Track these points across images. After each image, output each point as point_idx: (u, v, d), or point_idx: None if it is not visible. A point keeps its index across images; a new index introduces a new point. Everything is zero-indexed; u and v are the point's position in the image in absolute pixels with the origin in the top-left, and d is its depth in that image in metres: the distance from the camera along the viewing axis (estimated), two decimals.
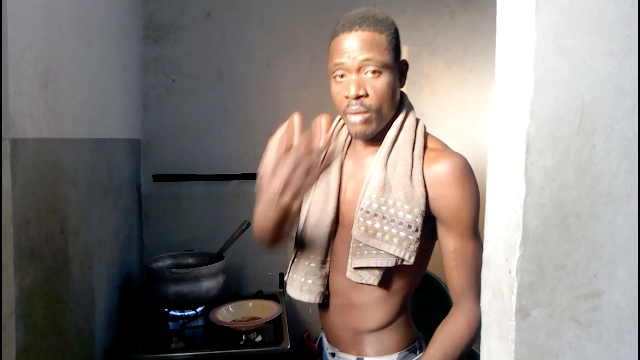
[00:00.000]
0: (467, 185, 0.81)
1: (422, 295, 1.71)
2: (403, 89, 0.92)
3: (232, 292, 1.75)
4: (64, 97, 1.09)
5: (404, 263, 0.82)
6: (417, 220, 0.81)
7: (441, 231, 0.85)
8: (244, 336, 1.40)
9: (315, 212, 0.93)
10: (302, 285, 0.91)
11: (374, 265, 0.84)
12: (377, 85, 0.82)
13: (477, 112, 1.94)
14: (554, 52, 0.55)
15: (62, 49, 1.10)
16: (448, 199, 0.82)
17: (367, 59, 0.81)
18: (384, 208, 0.82)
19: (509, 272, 0.57)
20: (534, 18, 0.55)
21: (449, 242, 0.84)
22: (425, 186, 0.82)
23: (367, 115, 0.83)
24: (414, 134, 0.87)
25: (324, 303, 0.96)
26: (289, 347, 1.37)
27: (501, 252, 0.60)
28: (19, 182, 0.88)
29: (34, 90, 0.96)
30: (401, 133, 0.87)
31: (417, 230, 0.81)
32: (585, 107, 0.56)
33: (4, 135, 0.84)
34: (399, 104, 0.89)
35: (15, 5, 0.87)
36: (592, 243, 0.57)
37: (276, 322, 1.49)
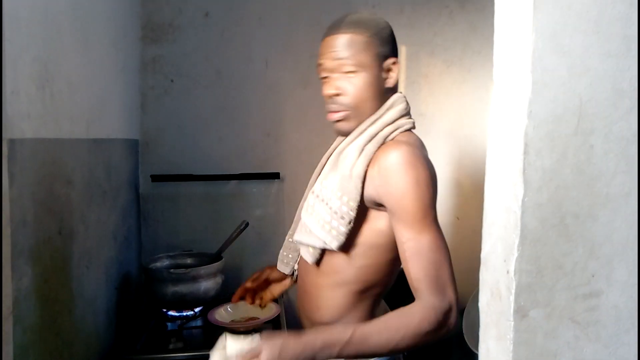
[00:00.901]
0: (410, 172, 0.80)
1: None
2: (402, 89, 0.92)
3: (230, 293, 1.74)
4: (61, 98, 1.09)
5: (328, 248, 0.86)
6: (351, 212, 0.83)
7: (392, 222, 0.84)
8: (242, 336, 1.40)
9: (302, 201, 1.03)
10: (283, 257, 1.02)
11: (306, 243, 0.90)
12: (353, 83, 0.86)
13: (475, 112, 1.94)
14: (552, 52, 0.55)
15: (60, 49, 1.09)
16: (390, 187, 0.81)
17: (342, 58, 0.86)
18: (325, 193, 0.87)
19: (507, 272, 0.57)
20: (532, 18, 0.55)
21: (399, 233, 0.82)
22: (364, 180, 0.84)
23: (343, 113, 0.89)
24: (378, 131, 0.87)
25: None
26: None
27: (499, 253, 0.60)
28: (16, 182, 0.88)
29: (31, 90, 0.95)
30: (368, 129, 0.88)
31: (350, 222, 0.84)
32: (583, 107, 0.56)
33: (1, 136, 0.84)
34: (383, 102, 0.91)
35: (12, 5, 0.87)
36: (590, 243, 0.57)
37: (275, 322, 1.49)
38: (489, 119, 0.64)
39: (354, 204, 0.83)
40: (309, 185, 1.04)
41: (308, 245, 0.90)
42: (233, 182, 1.85)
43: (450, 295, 0.79)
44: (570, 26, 0.56)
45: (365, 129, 0.89)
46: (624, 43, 0.56)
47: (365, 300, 0.93)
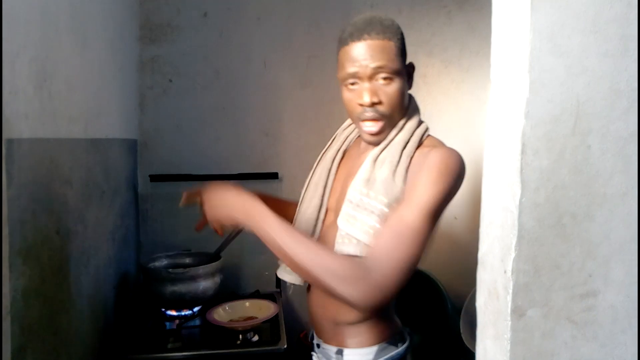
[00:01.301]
0: (443, 172, 0.80)
1: (417, 295, 1.71)
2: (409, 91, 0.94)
3: (229, 292, 1.75)
4: (59, 97, 1.09)
5: (357, 255, 0.84)
6: (387, 210, 0.83)
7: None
8: (240, 336, 1.40)
9: (307, 199, 1.01)
10: (286, 265, 0.93)
11: (353, 253, 0.84)
12: (389, 91, 0.85)
13: (473, 112, 1.94)
14: (550, 52, 0.55)
15: (58, 48, 1.09)
16: (418, 176, 0.82)
17: (379, 67, 0.83)
18: (365, 200, 0.84)
19: (505, 272, 0.57)
20: (530, 17, 0.55)
21: (398, 209, 0.81)
22: (405, 182, 0.84)
23: (381, 123, 0.87)
24: (409, 135, 0.89)
25: (311, 293, 1.01)
26: (285, 346, 1.37)
27: (497, 252, 0.60)
28: (14, 182, 0.88)
29: (29, 90, 0.95)
30: (399, 134, 0.89)
31: (366, 231, 0.83)
32: (581, 107, 0.57)
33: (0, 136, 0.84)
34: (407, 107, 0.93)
35: (10, 4, 0.86)
36: (588, 243, 0.57)
37: (273, 321, 1.49)
38: (487, 119, 0.64)
39: (396, 205, 0.83)
40: (313, 184, 1.02)
41: (356, 256, 0.85)
42: (231, 182, 1.85)
43: (380, 273, 0.75)
44: (568, 26, 0.56)
45: (395, 135, 0.90)
46: (622, 43, 0.56)
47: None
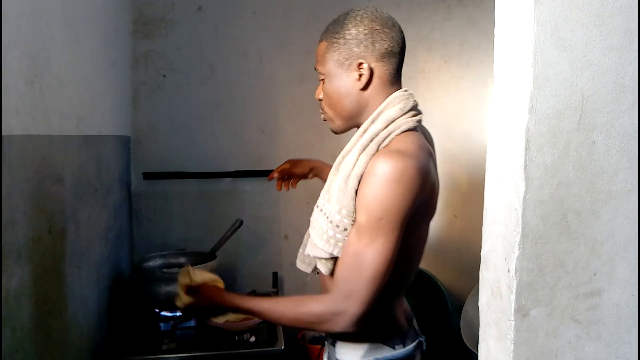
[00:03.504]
0: (385, 185, 0.79)
1: (417, 295, 1.71)
2: (405, 89, 0.91)
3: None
4: (51, 93, 1.07)
5: (334, 256, 0.87)
6: (345, 220, 0.84)
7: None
8: (237, 337, 1.38)
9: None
10: (304, 258, 0.99)
11: (313, 255, 0.91)
12: (324, 90, 0.93)
13: (473, 108, 1.93)
14: (554, 46, 0.54)
15: (50, 43, 1.07)
16: (362, 190, 0.83)
17: (316, 68, 0.93)
18: (327, 206, 0.88)
19: (508, 270, 0.56)
20: (533, 11, 0.54)
21: (350, 235, 0.84)
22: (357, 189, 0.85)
23: (324, 115, 0.96)
24: (370, 139, 0.87)
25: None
26: (283, 347, 1.36)
27: (500, 251, 0.59)
28: (4, 180, 0.86)
29: (20, 85, 0.93)
30: (361, 138, 0.88)
31: (345, 229, 0.85)
32: (585, 102, 0.55)
33: None
34: (369, 107, 0.90)
35: None
36: (592, 241, 0.56)
37: (270, 322, 1.47)
38: (490, 115, 0.63)
39: (346, 211, 0.84)
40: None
41: (315, 257, 0.92)
42: (227, 180, 1.83)
43: (351, 304, 0.80)
44: (572, 20, 0.55)
45: (366, 129, 0.88)
46: (626, 37, 0.55)
47: (383, 300, 0.91)
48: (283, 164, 1.28)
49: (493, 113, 0.62)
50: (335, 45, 0.88)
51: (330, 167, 0.95)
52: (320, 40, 0.92)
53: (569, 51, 0.55)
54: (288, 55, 1.83)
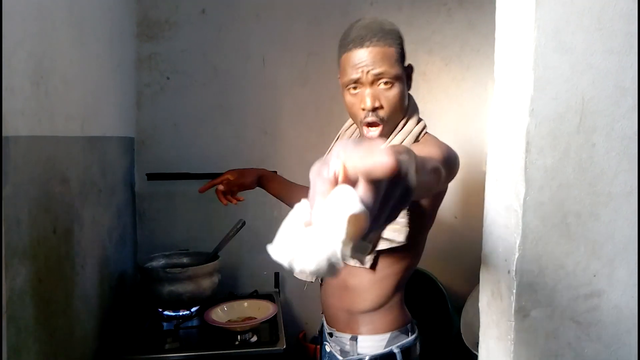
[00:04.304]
0: (440, 147, 0.86)
1: (418, 295, 1.71)
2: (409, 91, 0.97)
3: (227, 292, 1.74)
4: (56, 95, 1.08)
5: (397, 245, 0.89)
6: None
7: None
8: (239, 336, 1.39)
9: None
10: None
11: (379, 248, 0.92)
12: (390, 96, 0.89)
13: (474, 110, 1.94)
14: (554, 49, 0.55)
15: (55, 45, 1.08)
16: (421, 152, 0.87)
17: (380, 73, 0.87)
18: None
19: (508, 272, 0.57)
20: (534, 14, 0.54)
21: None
22: None
23: (381, 127, 0.91)
24: (406, 135, 0.93)
25: (326, 285, 1.06)
26: (284, 347, 1.36)
27: (500, 252, 0.59)
28: (10, 181, 0.86)
29: (25, 87, 0.94)
30: (398, 135, 0.94)
31: (405, 214, 0.88)
32: (586, 105, 0.56)
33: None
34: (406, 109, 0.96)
35: (7, 0, 0.85)
36: (592, 242, 0.57)
37: (272, 322, 1.48)
38: (490, 117, 0.63)
39: None
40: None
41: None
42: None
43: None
44: (573, 23, 0.55)
45: (395, 136, 0.94)
46: (627, 40, 0.56)
47: (402, 284, 0.99)
48: (224, 175, 1.23)
49: (493, 115, 0.62)
50: (401, 50, 0.91)
51: (277, 175, 1.00)
52: (377, 46, 0.87)
53: (570, 54, 0.55)
54: (291, 58, 1.83)
